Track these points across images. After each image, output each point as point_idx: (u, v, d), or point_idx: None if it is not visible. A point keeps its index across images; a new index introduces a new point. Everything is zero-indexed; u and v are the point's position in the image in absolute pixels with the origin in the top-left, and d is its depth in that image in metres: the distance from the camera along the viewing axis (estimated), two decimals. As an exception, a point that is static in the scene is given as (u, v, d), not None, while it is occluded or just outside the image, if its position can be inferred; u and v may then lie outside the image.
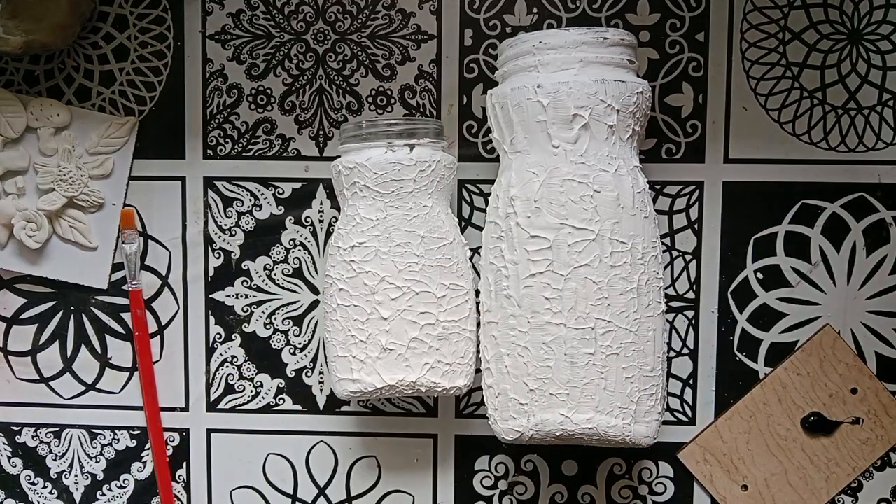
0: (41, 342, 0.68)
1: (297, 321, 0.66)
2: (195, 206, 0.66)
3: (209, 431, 0.67)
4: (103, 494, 0.68)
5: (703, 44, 0.63)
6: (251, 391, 0.67)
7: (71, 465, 0.68)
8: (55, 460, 0.68)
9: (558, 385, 0.54)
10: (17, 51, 0.61)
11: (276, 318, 0.66)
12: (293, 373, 0.67)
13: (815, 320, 0.64)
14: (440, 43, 0.64)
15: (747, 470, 0.65)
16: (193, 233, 0.66)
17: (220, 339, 0.67)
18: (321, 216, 0.66)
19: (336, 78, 0.65)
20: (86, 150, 0.65)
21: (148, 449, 0.68)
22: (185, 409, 0.67)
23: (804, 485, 0.64)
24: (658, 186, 0.64)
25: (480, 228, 0.64)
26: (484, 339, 0.58)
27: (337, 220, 0.64)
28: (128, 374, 0.68)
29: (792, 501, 0.65)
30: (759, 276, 0.64)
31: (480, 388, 0.59)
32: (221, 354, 0.67)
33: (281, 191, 0.66)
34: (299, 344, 0.67)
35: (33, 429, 0.68)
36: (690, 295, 0.65)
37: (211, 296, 0.67)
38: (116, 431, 0.68)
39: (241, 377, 0.67)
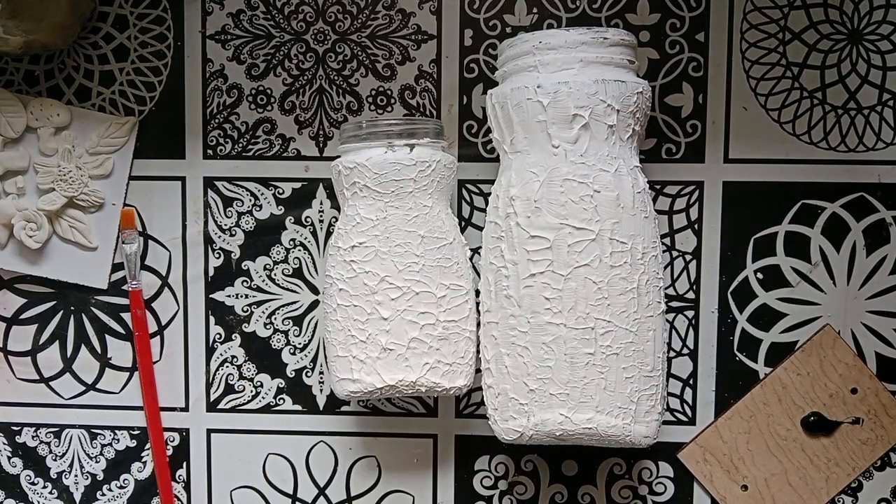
0: (41, 342, 0.68)
1: (297, 321, 0.66)
2: (195, 206, 0.66)
3: (209, 431, 0.67)
4: (103, 494, 0.68)
5: (703, 44, 0.63)
6: (251, 391, 0.67)
7: (71, 465, 0.68)
8: (55, 460, 0.68)
9: (558, 385, 0.54)
10: (17, 51, 0.61)
11: (276, 318, 0.66)
12: (293, 373, 0.67)
13: (815, 320, 0.64)
14: (440, 43, 0.64)
15: (747, 470, 0.65)
16: (193, 233, 0.66)
17: (220, 339, 0.67)
18: (321, 216, 0.66)
19: (336, 78, 0.65)
20: (86, 150, 0.65)
21: (148, 449, 0.68)
22: (185, 409, 0.67)
23: (804, 485, 0.64)
24: (658, 186, 0.64)
25: (480, 228, 0.64)
26: (484, 339, 0.58)
27: (337, 220, 0.64)
28: (128, 374, 0.68)
29: (792, 501, 0.65)
30: (759, 276, 0.64)
31: (480, 388, 0.59)
32: (221, 354, 0.67)
33: (281, 191, 0.66)
34: (299, 344, 0.67)
35: (33, 429, 0.68)
36: (690, 295, 0.65)
37: (211, 296, 0.67)
38: (116, 431, 0.68)
39: (241, 377, 0.67)
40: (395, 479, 0.67)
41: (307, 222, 0.66)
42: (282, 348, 0.67)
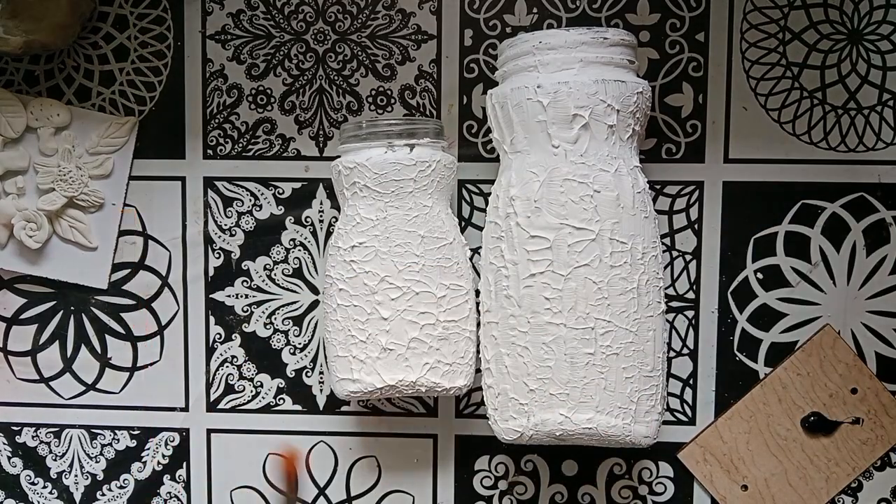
0: (41, 342, 0.68)
1: (297, 321, 0.66)
2: (195, 206, 0.66)
3: (209, 431, 0.67)
4: (103, 494, 0.68)
5: (703, 44, 0.63)
6: (251, 391, 0.67)
7: (71, 465, 0.68)
8: (55, 460, 0.68)
9: (558, 385, 0.54)
10: (17, 51, 0.61)
11: (276, 318, 0.66)
12: (293, 373, 0.67)
13: (815, 320, 0.64)
14: (440, 43, 0.64)
15: (747, 470, 0.65)
16: (193, 233, 0.66)
17: (220, 339, 0.67)
18: (321, 216, 0.66)
19: (336, 78, 0.65)
20: (86, 150, 0.65)
21: (148, 449, 0.68)
22: (185, 409, 0.67)
23: (804, 485, 0.64)
24: (658, 186, 0.64)
25: (480, 228, 0.64)
26: (484, 339, 0.58)
27: (337, 220, 0.64)
28: (128, 374, 0.68)
29: (792, 501, 0.65)
30: (759, 276, 0.64)
31: (480, 388, 0.59)
32: (221, 354, 0.67)
33: (281, 191, 0.66)
34: (299, 344, 0.67)
35: (33, 429, 0.68)
36: (690, 295, 0.65)
37: (211, 296, 0.67)
38: (116, 431, 0.68)
39: (241, 377, 0.67)
40: (395, 479, 0.67)
41: (307, 222, 0.66)
42: (282, 348, 0.67)
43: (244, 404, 0.67)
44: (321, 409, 0.67)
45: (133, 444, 0.68)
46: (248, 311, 0.67)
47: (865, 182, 0.63)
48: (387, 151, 0.57)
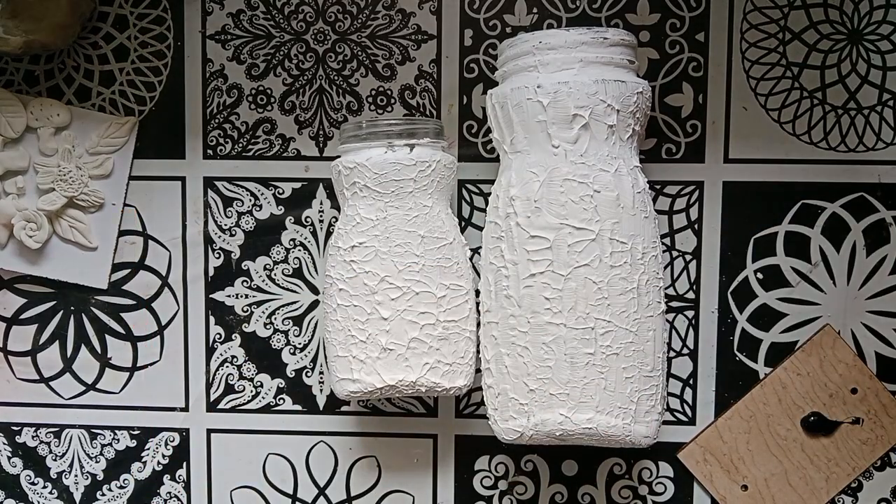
0: (41, 342, 0.68)
1: (297, 321, 0.66)
2: (195, 206, 0.66)
3: (209, 431, 0.67)
4: (103, 494, 0.68)
5: (703, 44, 0.63)
6: (251, 391, 0.67)
7: (71, 465, 0.68)
8: (55, 460, 0.68)
9: (558, 385, 0.54)
10: (17, 51, 0.61)
11: (276, 318, 0.66)
12: (293, 373, 0.67)
13: (815, 320, 0.64)
14: (440, 43, 0.64)
15: (747, 470, 0.65)
16: (193, 233, 0.66)
17: (220, 339, 0.67)
18: (321, 216, 0.66)
19: (336, 78, 0.65)
20: (86, 150, 0.65)
21: (148, 449, 0.68)
22: (185, 409, 0.67)
23: (804, 485, 0.64)
24: (658, 186, 0.64)
25: (480, 228, 0.64)
26: (484, 339, 0.58)
27: (337, 220, 0.64)
28: (128, 374, 0.68)
29: (792, 501, 0.65)
30: (759, 276, 0.64)
31: (480, 388, 0.59)
32: (221, 354, 0.67)
33: (281, 191, 0.66)
34: (299, 344, 0.67)
35: (33, 429, 0.68)
36: (690, 295, 0.65)
37: (211, 296, 0.67)
38: (116, 431, 0.68)
39: (241, 377, 0.67)
40: (395, 479, 0.67)
41: (307, 222, 0.66)
42: (282, 348, 0.67)
43: (244, 404, 0.67)
44: (321, 409, 0.67)
45: (133, 444, 0.68)
46: (248, 311, 0.67)
47: (865, 182, 0.63)
48: (387, 151, 0.57)
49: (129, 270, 0.67)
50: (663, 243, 0.64)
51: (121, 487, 0.68)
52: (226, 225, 0.66)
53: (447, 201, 0.60)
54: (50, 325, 0.68)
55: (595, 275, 0.54)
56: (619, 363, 0.54)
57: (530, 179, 0.55)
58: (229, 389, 0.67)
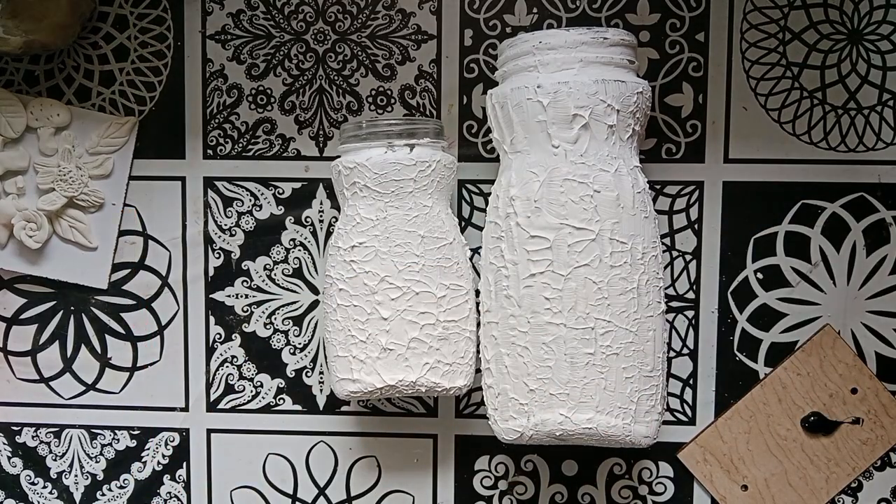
0: (41, 342, 0.68)
1: (297, 321, 0.66)
2: (195, 206, 0.66)
3: (209, 431, 0.67)
4: (103, 494, 0.68)
5: (703, 44, 0.63)
6: (251, 391, 0.67)
7: (71, 465, 0.68)
8: (55, 460, 0.68)
9: (558, 385, 0.54)
10: (17, 51, 0.61)
11: (276, 318, 0.66)
12: (293, 373, 0.67)
13: (815, 320, 0.64)
14: (440, 43, 0.64)
15: (747, 470, 0.65)
16: (193, 233, 0.66)
17: (220, 339, 0.67)
18: (321, 216, 0.66)
19: (336, 78, 0.65)
20: (86, 150, 0.65)
21: (148, 449, 0.68)
22: (185, 409, 0.67)
23: (804, 485, 0.64)
24: (658, 186, 0.64)
25: (480, 228, 0.64)
26: (484, 339, 0.58)
27: (337, 220, 0.64)
28: (128, 374, 0.68)
29: (792, 501, 0.65)
30: (759, 276, 0.64)
31: (480, 388, 0.59)
32: (221, 354, 0.67)
33: (281, 191, 0.66)
34: (299, 344, 0.67)
35: (33, 429, 0.68)
36: (690, 295, 0.65)
37: (211, 296, 0.67)
38: (116, 431, 0.68)
39: (241, 377, 0.67)
40: (395, 479, 0.67)
41: (307, 222, 0.66)
42: (282, 348, 0.67)
43: (244, 404, 0.67)
44: (321, 409, 0.67)
45: (133, 444, 0.68)
46: (248, 311, 0.67)
47: (865, 182, 0.63)
48: (387, 151, 0.57)
49: (129, 270, 0.67)
50: (663, 243, 0.64)
51: (121, 487, 0.68)
52: (226, 225, 0.66)
53: (447, 201, 0.60)
54: (50, 325, 0.68)
55: (595, 275, 0.54)
56: (619, 363, 0.54)
57: (530, 179, 0.55)
58: (229, 389, 0.67)
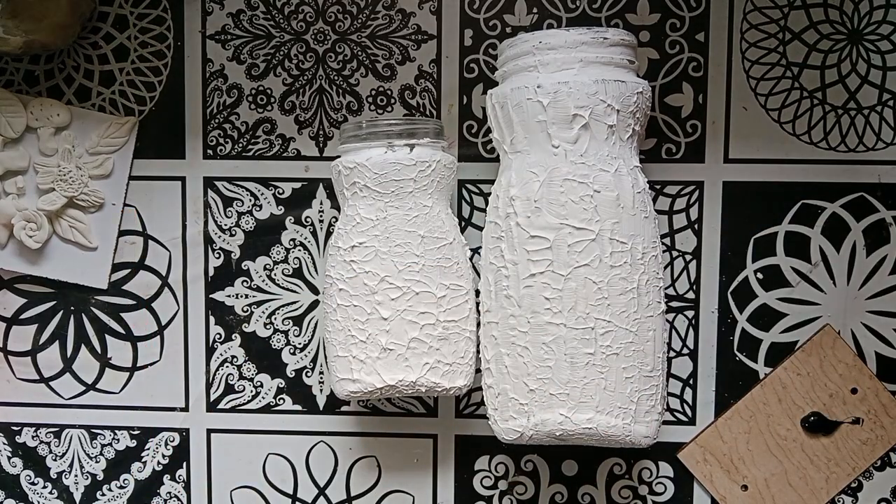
0: (41, 342, 0.68)
1: (297, 321, 0.66)
2: (195, 206, 0.66)
3: (209, 431, 0.67)
4: (103, 494, 0.68)
5: (703, 44, 0.63)
6: (251, 391, 0.67)
7: (71, 465, 0.68)
8: (55, 460, 0.68)
9: (558, 385, 0.54)
10: (17, 51, 0.61)
11: (276, 318, 0.66)
12: (293, 373, 0.67)
13: (815, 320, 0.64)
14: (440, 43, 0.64)
15: (747, 470, 0.65)
16: (193, 233, 0.66)
17: (220, 339, 0.67)
18: (321, 216, 0.66)
19: (336, 78, 0.65)
20: (86, 150, 0.65)
21: (148, 449, 0.68)
22: (185, 409, 0.67)
23: (804, 485, 0.64)
24: (658, 186, 0.64)
25: (480, 228, 0.64)
26: (484, 339, 0.58)
27: (337, 220, 0.64)
28: (128, 374, 0.68)
29: (792, 501, 0.65)
30: (759, 276, 0.64)
31: (480, 388, 0.59)
32: (221, 354, 0.67)
33: (281, 191, 0.66)
34: (299, 344, 0.67)
35: (33, 429, 0.68)
36: (690, 295, 0.65)
37: (211, 296, 0.67)
38: (116, 431, 0.68)
39: (241, 377, 0.67)
40: (395, 479, 0.67)
41: (307, 222, 0.66)
42: (282, 348, 0.67)
43: (244, 404, 0.67)
44: (321, 409, 0.67)
45: (133, 444, 0.68)
46: (248, 311, 0.67)
47: (865, 182, 0.63)
48: (387, 151, 0.57)
49: (129, 270, 0.67)
50: (663, 243, 0.64)
51: (121, 487, 0.68)
52: (226, 225, 0.66)
53: (447, 201, 0.60)
54: (50, 325, 0.68)
55: (595, 275, 0.54)
56: (619, 363, 0.54)
57: (530, 179, 0.55)
58: (229, 389, 0.67)
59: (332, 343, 0.59)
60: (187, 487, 0.68)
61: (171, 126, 0.66)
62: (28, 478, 0.69)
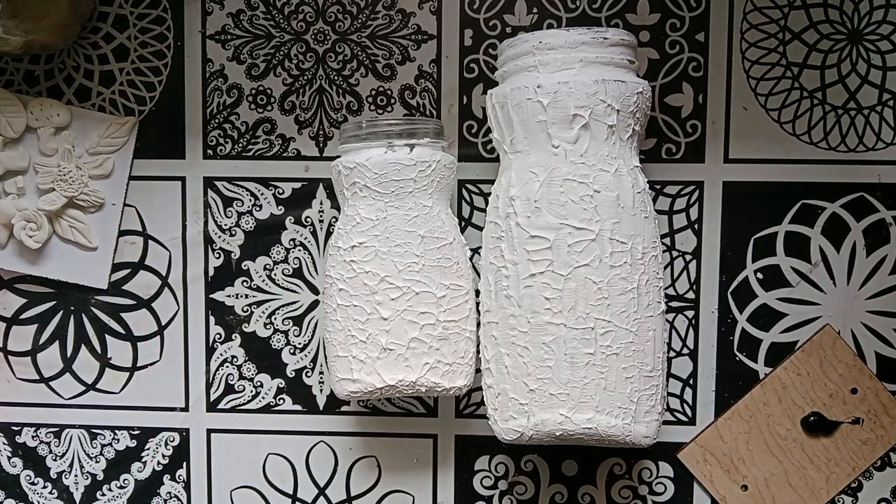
0: (41, 342, 0.68)
1: (297, 321, 0.66)
2: (195, 206, 0.66)
3: (209, 431, 0.67)
4: (103, 494, 0.68)
5: (703, 44, 0.63)
6: (251, 391, 0.67)
7: (71, 465, 0.68)
8: (55, 460, 0.68)
9: (558, 385, 0.54)
10: (17, 51, 0.61)
11: (276, 318, 0.66)
12: (293, 373, 0.67)
13: (815, 320, 0.64)
14: (440, 43, 0.64)
15: (747, 470, 0.65)
16: (193, 233, 0.66)
17: (220, 339, 0.67)
18: (321, 216, 0.66)
19: (336, 78, 0.65)
20: (86, 150, 0.65)
21: (148, 449, 0.68)
22: (185, 409, 0.67)
23: (804, 485, 0.64)
24: (658, 186, 0.64)
25: (480, 228, 0.64)
26: (484, 339, 0.58)
27: (337, 220, 0.64)
28: (128, 374, 0.68)
29: (792, 501, 0.65)
30: (759, 276, 0.64)
31: (480, 388, 0.59)
32: (221, 354, 0.67)
33: (281, 191, 0.66)
34: (299, 344, 0.67)
35: (33, 429, 0.68)
36: (690, 295, 0.65)
37: (211, 296, 0.67)
38: (116, 431, 0.68)
39: (241, 377, 0.67)
40: (395, 479, 0.67)
41: (307, 222, 0.66)
42: (282, 348, 0.67)
43: (244, 404, 0.67)
44: (321, 409, 0.67)
45: (133, 444, 0.68)
46: (248, 311, 0.67)
47: (865, 182, 0.63)
48: (387, 151, 0.57)
49: (129, 270, 0.67)
50: (663, 243, 0.64)
51: (121, 487, 0.68)
52: (226, 225, 0.66)
53: (447, 201, 0.60)
54: (50, 325, 0.68)
55: (595, 275, 0.54)
56: (619, 363, 0.54)
57: (530, 179, 0.55)
58: (229, 389, 0.67)
59: (332, 343, 0.59)
60: (187, 487, 0.68)
61: (171, 126, 0.66)
62: (28, 478, 0.69)
